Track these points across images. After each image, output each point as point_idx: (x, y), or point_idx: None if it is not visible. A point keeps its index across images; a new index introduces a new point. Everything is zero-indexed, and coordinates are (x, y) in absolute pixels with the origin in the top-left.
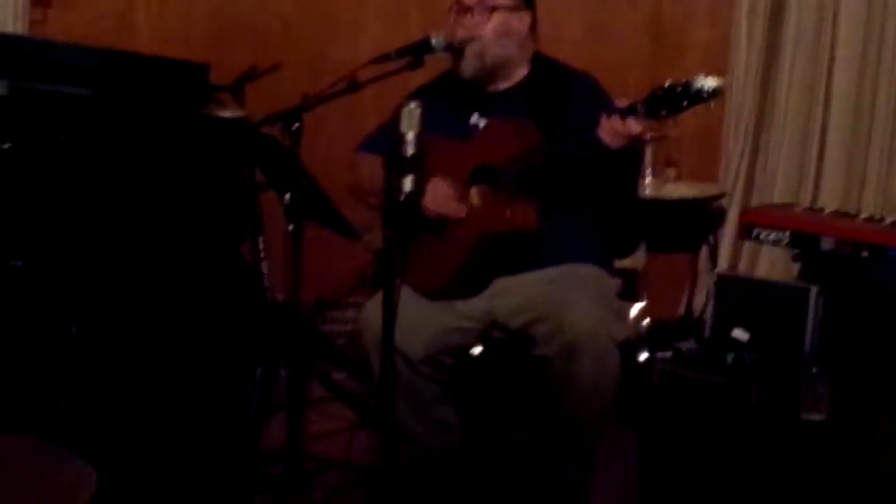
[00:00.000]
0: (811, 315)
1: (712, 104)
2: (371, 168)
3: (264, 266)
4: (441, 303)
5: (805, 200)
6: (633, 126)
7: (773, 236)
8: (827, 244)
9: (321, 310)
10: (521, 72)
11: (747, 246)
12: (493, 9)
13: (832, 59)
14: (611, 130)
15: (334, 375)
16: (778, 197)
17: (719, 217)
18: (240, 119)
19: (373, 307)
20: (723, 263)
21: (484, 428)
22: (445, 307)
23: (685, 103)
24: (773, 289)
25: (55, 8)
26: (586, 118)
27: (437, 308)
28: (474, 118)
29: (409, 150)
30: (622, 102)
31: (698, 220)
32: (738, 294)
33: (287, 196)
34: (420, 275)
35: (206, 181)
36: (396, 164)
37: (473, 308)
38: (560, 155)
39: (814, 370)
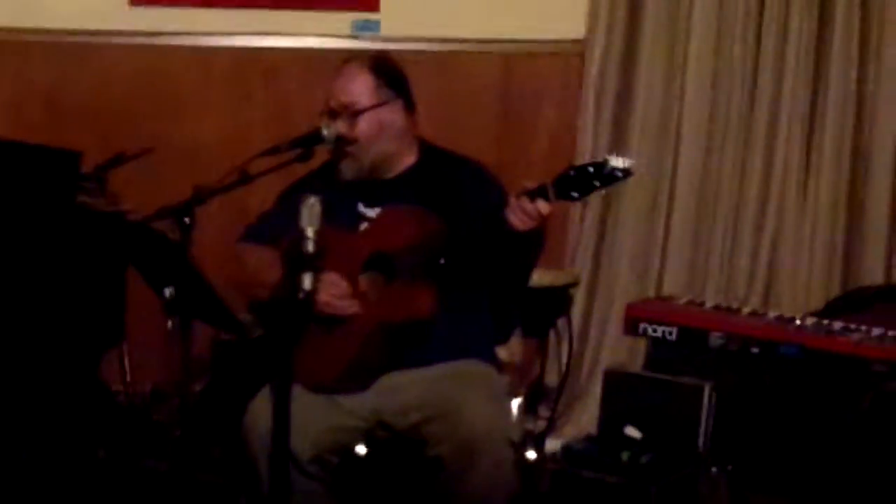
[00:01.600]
0: (705, 412)
1: (622, 184)
2: (256, 259)
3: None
4: (325, 398)
5: (651, 284)
6: (543, 207)
7: (659, 332)
8: (716, 340)
9: (157, 400)
10: (407, 160)
11: (592, 334)
12: (359, 112)
13: (678, 137)
14: (520, 212)
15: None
16: (624, 279)
17: (565, 302)
18: (121, 213)
19: (257, 407)
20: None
21: None
22: (330, 403)
23: (597, 184)
24: (664, 385)
25: None
26: (485, 202)
27: (322, 404)
28: (361, 208)
29: (310, 247)
30: (529, 184)
31: (549, 306)
32: (626, 390)
33: (168, 291)
34: (306, 368)
35: (86, 279)
36: (295, 261)
37: (359, 405)
38: (463, 240)
39: (713, 470)
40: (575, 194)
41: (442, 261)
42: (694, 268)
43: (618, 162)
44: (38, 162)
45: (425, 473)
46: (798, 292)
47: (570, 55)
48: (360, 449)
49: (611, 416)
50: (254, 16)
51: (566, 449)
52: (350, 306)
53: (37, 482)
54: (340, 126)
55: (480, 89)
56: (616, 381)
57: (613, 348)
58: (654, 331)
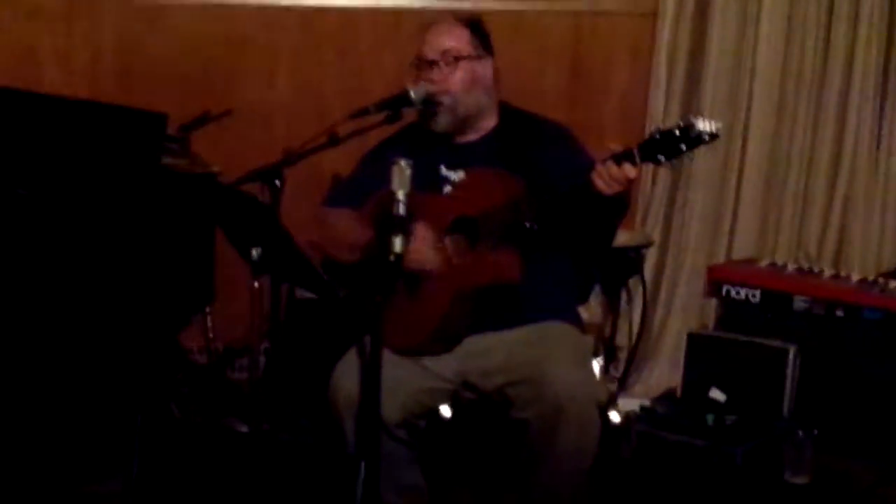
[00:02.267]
0: (789, 375)
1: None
2: (344, 221)
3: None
4: (412, 361)
5: (721, 246)
6: (630, 171)
7: (742, 294)
8: (800, 304)
9: (230, 357)
10: (489, 122)
11: (662, 295)
12: (458, 59)
13: (750, 98)
14: (607, 176)
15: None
16: (694, 240)
17: (637, 262)
18: (212, 174)
19: (345, 368)
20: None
21: (453, 492)
22: (417, 367)
23: (683, 147)
24: (748, 348)
25: None
26: (570, 166)
27: (409, 368)
28: (444, 170)
29: (401, 210)
30: (615, 147)
31: (622, 266)
32: (710, 353)
33: (256, 252)
34: (393, 331)
35: (177, 242)
36: (386, 224)
37: (445, 367)
38: (549, 203)
39: (798, 433)
40: (661, 157)
41: (529, 225)
42: (765, 230)
43: (704, 125)
44: (126, 123)
45: (511, 435)
46: (869, 255)
47: (642, 16)
48: (445, 410)
49: (694, 378)
50: None
51: (649, 411)
52: (436, 260)
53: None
54: (436, 75)
55: (553, 49)
56: (700, 344)
57: (684, 309)
58: (738, 293)
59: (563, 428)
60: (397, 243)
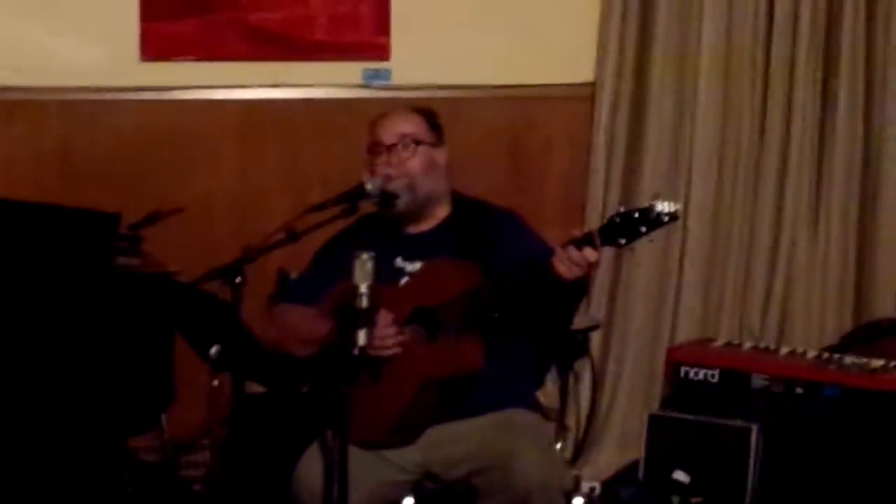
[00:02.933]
0: (753, 454)
1: (669, 228)
2: (299, 317)
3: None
4: (373, 454)
5: (666, 324)
6: (591, 255)
7: (701, 375)
8: (758, 382)
9: (176, 453)
10: (443, 211)
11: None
12: (417, 143)
13: (689, 179)
14: (567, 261)
15: None
16: (639, 320)
17: (584, 344)
18: (167, 274)
19: (309, 463)
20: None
21: None
22: (378, 459)
23: (643, 229)
24: (710, 428)
25: None
26: (524, 252)
27: (371, 460)
28: (399, 262)
29: (363, 303)
30: (575, 232)
31: (569, 348)
32: (671, 434)
33: (214, 350)
34: (354, 425)
35: (134, 344)
36: (349, 317)
37: (407, 459)
38: (510, 290)
39: None
40: (622, 241)
41: (495, 314)
42: (707, 307)
43: (664, 206)
44: (78, 225)
45: None
46: (812, 330)
47: (580, 99)
48: (408, 502)
49: (655, 460)
50: (264, 68)
51: (612, 495)
52: (398, 346)
53: None
54: (394, 159)
55: (491, 135)
56: (661, 424)
57: (632, 388)
58: (696, 374)
59: None
60: (361, 336)
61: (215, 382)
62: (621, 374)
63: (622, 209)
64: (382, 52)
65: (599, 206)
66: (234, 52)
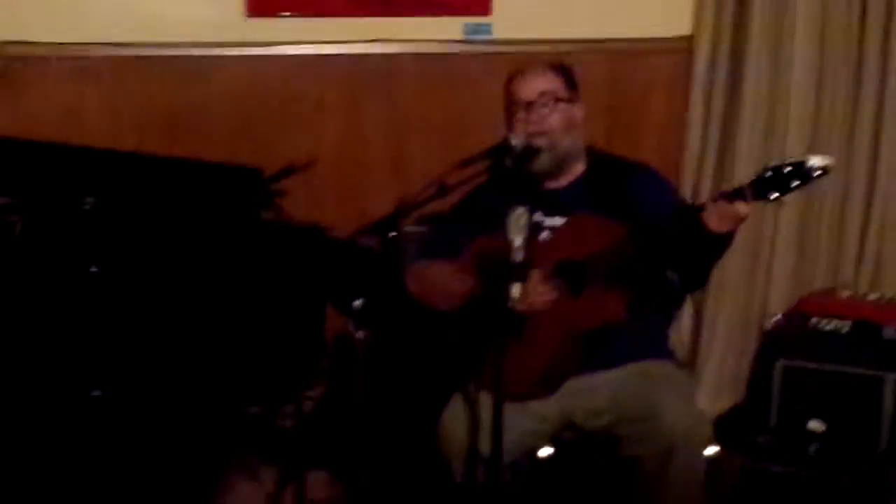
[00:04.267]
0: (888, 402)
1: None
2: (443, 272)
3: None
4: (515, 405)
5: (761, 273)
6: (742, 209)
7: (832, 325)
8: (889, 332)
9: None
10: (579, 167)
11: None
12: (556, 100)
13: (786, 128)
14: (719, 215)
15: None
16: (732, 279)
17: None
18: (320, 229)
19: (453, 413)
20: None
21: None
22: (520, 410)
23: (795, 183)
24: (843, 378)
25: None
26: (665, 205)
27: (514, 411)
28: (537, 216)
29: (518, 257)
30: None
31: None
32: (804, 383)
33: (357, 304)
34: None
35: (288, 299)
36: (503, 270)
37: (548, 410)
38: (659, 243)
39: None
40: (774, 194)
41: (641, 266)
42: (802, 255)
43: (816, 160)
44: (223, 179)
45: (619, 472)
46: None
47: (677, 52)
48: (545, 451)
49: (788, 409)
50: (366, 24)
51: (751, 444)
52: (548, 303)
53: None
54: (534, 116)
55: (590, 87)
56: (792, 374)
57: (726, 338)
58: (827, 324)
59: (674, 462)
60: (516, 290)
61: (359, 335)
62: (716, 323)
63: (773, 163)
64: (483, 7)
65: (696, 160)
66: (338, 9)
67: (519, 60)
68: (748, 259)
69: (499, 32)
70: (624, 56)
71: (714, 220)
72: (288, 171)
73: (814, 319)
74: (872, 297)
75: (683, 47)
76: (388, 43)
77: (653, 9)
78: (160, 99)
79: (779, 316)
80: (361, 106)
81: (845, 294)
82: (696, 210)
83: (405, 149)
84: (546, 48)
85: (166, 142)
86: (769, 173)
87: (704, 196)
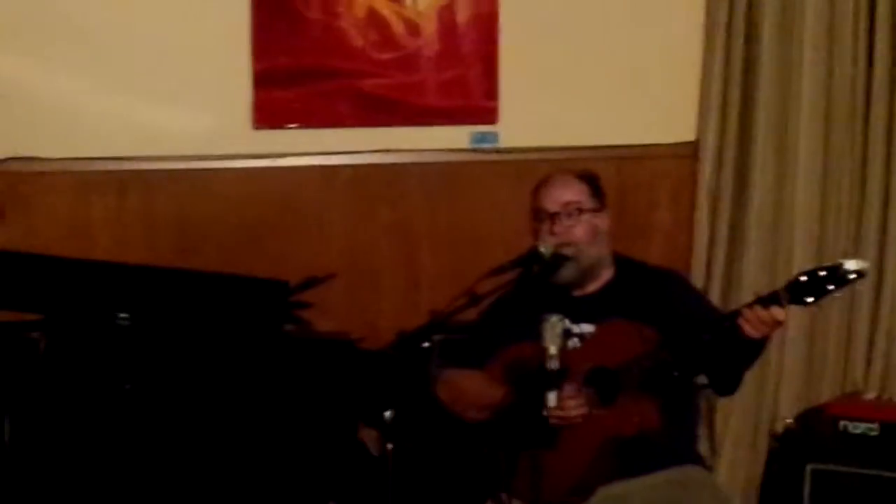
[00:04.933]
0: None
1: (856, 286)
2: (471, 380)
3: None
4: None
5: (770, 380)
6: (778, 314)
7: (861, 428)
8: None
9: None
10: (607, 274)
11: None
12: (581, 211)
13: (792, 233)
14: (755, 320)
15: None
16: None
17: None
18: (351, 341)
19: None
20: None
21: None
22: None
23: (831, 287)
24: (876, 481)
25: (7, 218)
26: (696, 311)
27: None
28: (567, 324)
29: (554, 365)
30: (759, 291)
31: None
32: (836, 487)
33: (388, 415)
34: (528, 485)
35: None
36: (540, 380)
37: None
38: (694, 350)
39: None
40: (809, 299)
41: (676, 373)
42: (811, 359)
43: (851, 264)
44: (251, 293)
45: None
46: None
47: (682, 157)
48: None
49: None
50: (375, 134)
51: None
52: (582, 413)
53: None
54: (558, 228)
55: None
56: (824, 478)
57: (733, 450)
58: (855, 427)
59: None
60: (552, 398)
61: (389, 446)
62: (727, 428)
63: (807, 268)
64: (491, 116)
65: (704, 264)
66: (345, 119)
67: (525, 168)
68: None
69: (506, 141)
70: (629, 161)
71: (750, 325)
72: (311, 282)
73: (843, 422)
74: None
75: (688, 152)
76: (395, 153)
77: (658, 114)
78: (167, 211)
79: (790, 420)
80: (368, 216)
81: (870, 396)
82: (733, 316)
83: (414, 258)
84: (552, 155)
85: (175, 253)
86: (804, 277)
87: (714, 300)
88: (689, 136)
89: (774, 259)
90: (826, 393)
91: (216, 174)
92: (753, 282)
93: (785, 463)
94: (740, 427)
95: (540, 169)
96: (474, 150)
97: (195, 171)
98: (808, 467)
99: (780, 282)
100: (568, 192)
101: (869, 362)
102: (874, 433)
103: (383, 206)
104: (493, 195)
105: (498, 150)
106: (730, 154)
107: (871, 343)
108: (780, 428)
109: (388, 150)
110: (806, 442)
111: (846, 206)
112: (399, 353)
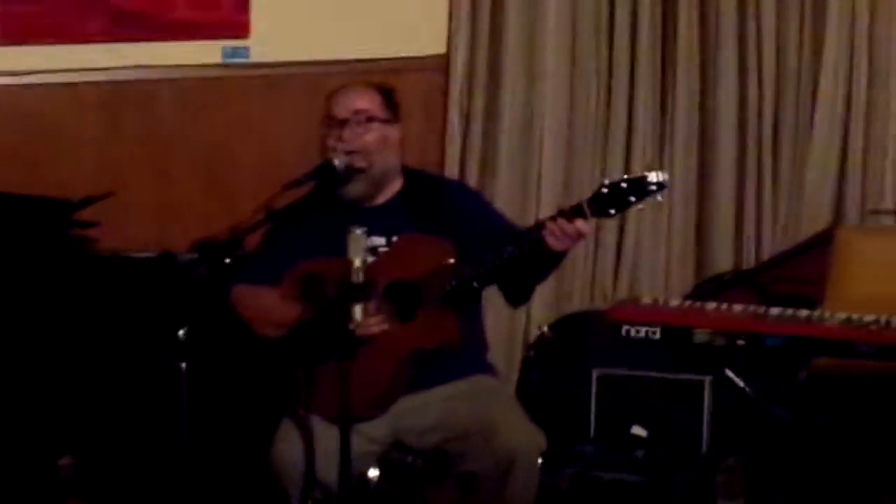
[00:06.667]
0: (707, 406)
1: (658, 197)
2: (267, 298)
3: None
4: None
5: None
6: (583, 227)
7: (643, 332)
8: (700, 336)
9: None
10: (396, 185)
11: None
12: (370, 120)
13: (542, 144)
14: (559, 232)
15: None
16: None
17: None
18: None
19: (285, 440)
20: None
21: None
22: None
23: (633, 199)
24: (662, 383)
25: None
26: (489, 224)
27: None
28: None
29: (359, 278)
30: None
31: None
32: (622, 391)
33: (182, 333)
34: (327, 399)
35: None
36: (345, 293)
37: (376, 430)
38: (495, 262)
39: (729, 461)
40: (612, 210)
41: (476, 284)
42: (560, 275)
43: (652, 176)
44: (33, 212)
45: (454, 490)
46: (657, 287)
47: (434, 70)
48: (373, 472)
49: (606, 416)
50: (123, 49)
51: (577, 453)
52: (382, 326)
53: None
54: (347, 135)
55: None
56: (607, 382)
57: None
58: (637, 332)
59: (514, 477)
60: (358, 311)
61: (183, 366)
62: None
63: (609, 180)
64: (242, 31)
65: (456, 176)
66: (94, 35)
67: (277, 82)
68: None
69: (256, 55)
70: (381, 75)
71: (553, 238)
72: (85, 202)
73: (625, 327)
74: (674, 303)
75: (439, 65)
76: (147, 69)
77: (409, 28)
78: None
79: (545, 328)
80: (120, 134)
81: (647, 301)
82: (538, 228)
83: (167, 174)
84: (304, 70)
85: None
86: (605, 189)
87: None
88: (441, 49)
89: (526, 177)
90: (576, 302)
91: None
92: (508, 200)
93: (544, 369)
94: (494, 337)
95: (291, 84)
96: (226, 66)
97: None
98: (595, 372)
99: (533, 199)
100: (360, 100)
101: (616, 271)
102: (656, 336)
103: (135, 123)
104: (246, 110)
105: (250, 66)
106: (480, 67)
107: (618, 252)
108: (533, 336)
109: (138, 66)
110: (589, 347)
111: (593, 120)
112: (198, 267)
